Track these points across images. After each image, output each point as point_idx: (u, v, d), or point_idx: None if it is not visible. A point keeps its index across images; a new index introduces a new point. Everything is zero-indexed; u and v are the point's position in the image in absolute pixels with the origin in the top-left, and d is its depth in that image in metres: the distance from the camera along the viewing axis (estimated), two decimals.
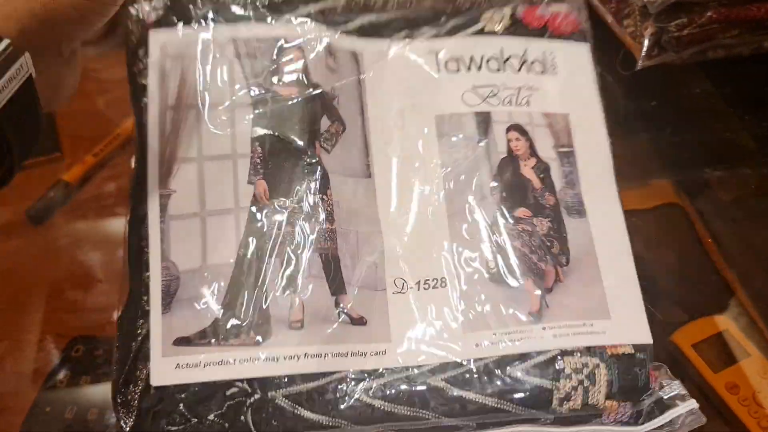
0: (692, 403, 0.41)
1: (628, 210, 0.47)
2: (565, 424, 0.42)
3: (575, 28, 0.51)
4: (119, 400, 0.39)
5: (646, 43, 0.58)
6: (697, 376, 0.49)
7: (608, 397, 0.42)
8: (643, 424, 0.42)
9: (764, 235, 0.57)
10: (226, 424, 0.39)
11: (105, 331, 0.43)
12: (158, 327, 0.40)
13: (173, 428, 0.39)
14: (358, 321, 0.42)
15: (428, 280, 0.43)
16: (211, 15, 0.46)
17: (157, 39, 0.45)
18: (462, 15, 0.50)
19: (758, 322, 0.50)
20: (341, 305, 0.42)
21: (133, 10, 0.46)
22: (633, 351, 0.43)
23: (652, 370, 0.43)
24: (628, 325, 0.43)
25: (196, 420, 0.39)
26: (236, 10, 0.46)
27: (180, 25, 0.45)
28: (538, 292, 0.43)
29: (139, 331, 0.41)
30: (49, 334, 0.49)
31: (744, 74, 0.64)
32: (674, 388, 0.42)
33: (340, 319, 0.42)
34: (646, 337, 0.43)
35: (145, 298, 0.41)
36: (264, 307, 0.41)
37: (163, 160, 0.43)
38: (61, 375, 0.47)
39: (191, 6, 0.46)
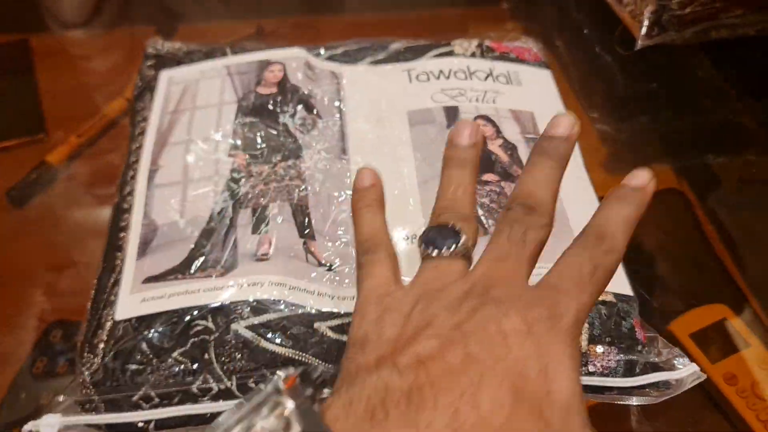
0: (693, 367, 0.38)
1: None
2: None
3: (536, 59, 0.57)
4: (86, 346, 0.40)
5: (645, 21, 0.57)
6: None
7: (591, 341, 0.40)
8: (637, 376, 0.39)
9: (767, 222, 0.55)
10: (190, 362, 0.38)
11: (84, 316, 0.41)
12: (131, 270, 0.42)
13: (134, 367, 0.38)
14: (326, 266, 0.43)
15: (397, 240, 0.44)
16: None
17: (166, 74, 0.54)
18: (436, 47, 0.56)
19: (759, 311, 0.49)
20: (310, 249, 0.43)
21: (151, 49, 0.56)
22: (614, 300, 0.41)
23: (641, 327, 0.41)
24: None
25: (157, 359, 0.38)
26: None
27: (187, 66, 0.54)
28: None
29: (112, 281, 0.42)
30: (27, 318, 0.48)
31: (748, 56, 0.63)
32: (674, 352, 0.40)
33: (308, 260, 0.42)
34: (626, 289, 0.42)
35: (119, 253, 0.43)
36: (233, 246, 0.42)
37: (155, 149, 0.48)
38: (38, 360, 0.46)
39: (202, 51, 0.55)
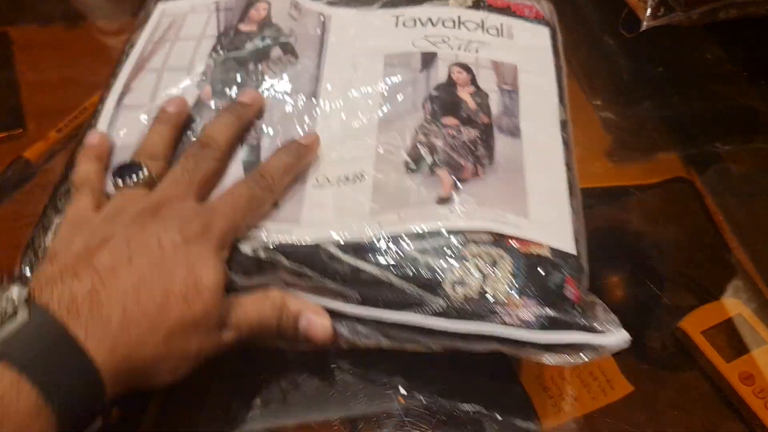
0: (621, 335, 0.36)
1: (632, 185, 0.44)
2: (459, 317, 0.38)
3: (538, 15, 0.55)
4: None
5: (651, 1, 0.54)
6: (708, 365, 0.44)
7: (510, 288, 0.38)
8: (551, 332, 0.37)
9: None
10: None
11: None
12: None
13: None
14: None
15: (348, 176, 0.44)
16: None
17: (160, 7, 0.55)
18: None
19: None
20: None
21: None
22: (550, 255, 0.40)
23: (577, 287, 0.39)
24: (549, 228, 0.41)
25: None
26: None
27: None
28: (452, 180, 0.43)
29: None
30: None
31: (758, 37, 0.60)
32: (609, 318, 0.38)
33: None
34: (568, 246, 0.40)
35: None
36: None
37: (132, 73, 0.50)
38: None
39: None
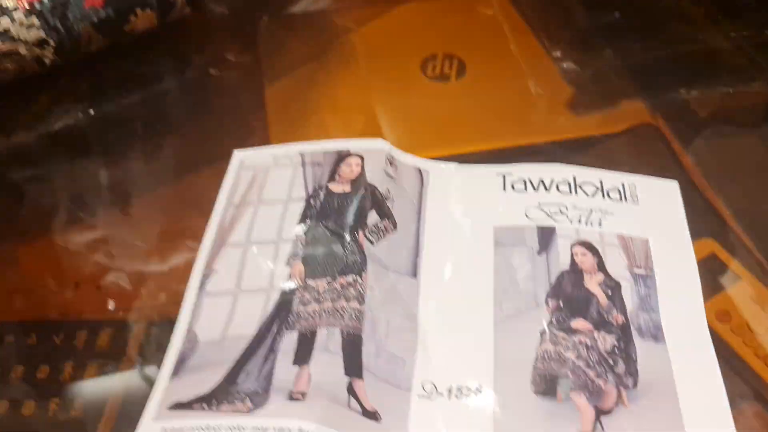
0: None
1: (598, 134, 0.46)
2: None
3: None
4: None
5: None
6: None
7: None
8: None
9: (747, 151, 0.52)
10: None
11: None
12: (161, 391, 0.38)
13: None
14: (371, 414, 0.37)
15: (461, 387, 0.38)
16: None
17: (238, 155, 0.51)
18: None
19: (746, 241, 0.46)
20: (354, 390, 0.37)
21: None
22: None
23: None
24: None
25: None
26: None
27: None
28: (593, 411, 0.36)
29: None
30: None
31: None
32: None
33: (350, 405, 0.37)
34: None
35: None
36: (268, 376, 0.38)
37: (214, 246, 0.45)
38: None
39: None
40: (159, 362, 0.40)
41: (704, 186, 0.49)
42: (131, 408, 0.38)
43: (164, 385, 0.38)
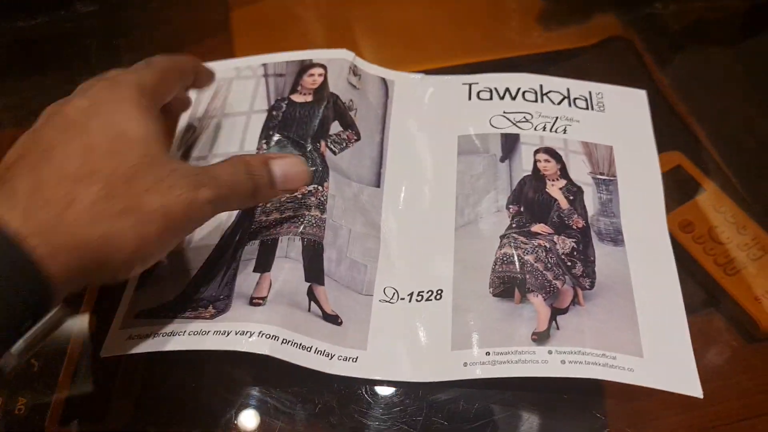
0: None
1: (570, 48, 0.45)
2: None
3: None
4: None
5: None
6: None
7: None
8: None
9: (718, 66, 0.51)
10: None
11: None
12: (127, 302, 0.39)
13: None
14: (332, 318, 0.38)
15: (422, 291, 0.39)
16: None
17: None
18: None
19: (713, 154, 0.46)
20: (315, 295, 0.38)
21: None
22: None
23: None
24: (669, 368, 0.35)
25: None
26: None
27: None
28: (548, 311, 0.37)
29: None
30: None
31: None
32: None
33: (310, 309, 0.37)
34: (693, 389, 0.34)
35: None
36: (230, 283, 0.38)
37: (179, 159, 0.44)
38: None
39: None
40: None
41: (674, 99, 0.49)
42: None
43: (131, 295, 0.39)
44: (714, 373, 0.37)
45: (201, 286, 0.38)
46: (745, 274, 0.40)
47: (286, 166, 0.36)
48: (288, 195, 0.40)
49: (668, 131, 0.43)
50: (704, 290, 0.39)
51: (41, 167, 0.29)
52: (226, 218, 0.40)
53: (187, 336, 0.36)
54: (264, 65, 0.48)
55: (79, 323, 0.39)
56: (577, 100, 0.46)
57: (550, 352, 0.35)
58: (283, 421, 0.36)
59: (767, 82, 0.50)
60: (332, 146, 0.43)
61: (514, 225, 0.40)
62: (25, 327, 0.28)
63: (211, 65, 0.46)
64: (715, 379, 0.36)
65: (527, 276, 0.38)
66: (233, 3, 0.57)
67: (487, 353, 0.35)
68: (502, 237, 0.39)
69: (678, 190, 0.43)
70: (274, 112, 0.45)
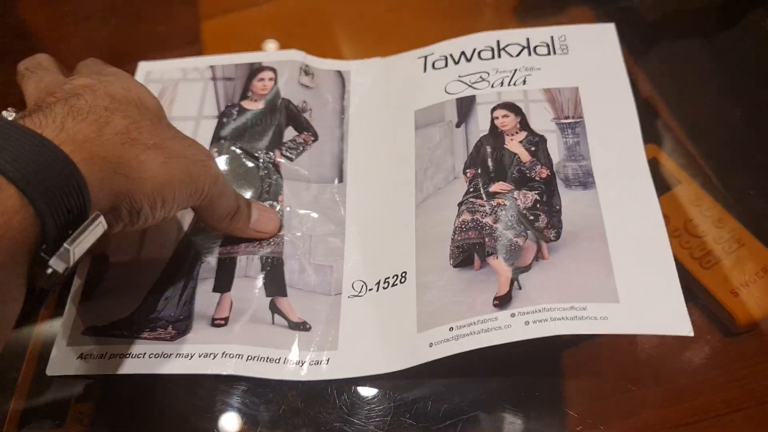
0: None
1: None
2: None
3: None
4: None
5: None
6: None
7: None
8: None
9: (693, 58, 0.50)
10: None
11: None
12: (71, 315, 0.38)
13: None
14: (299, 325, 0.36)
15: (388, 278, 0.37)
16: None
17: (144, 67, 0.48)
18: None
19: (688, 147, 0.44)
20: (278, 307, 0.37)
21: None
22: None
23: None
24: (652, 310, 0.32)
25: None
26: None
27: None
28: (509, 271, 0.34)
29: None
30: None
31: None
32: None
33: (274, 322, 0.37)
34: (682, 327, 0.31)
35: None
36: (189, 303, 0.37)
37: None
38: None
39: None
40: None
41: (649, 92, 0.47)
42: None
43: (75, 308, 0.38)
44: (691, 369, 0.36)
45: (157, 305, 0.37)
46: (721, 267, 0.39)
47: (264, 212, 0.39)
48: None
49: (644, 124, 0.41)
50: (680, 284, 0.35)
51: (74, 101, 0.30)
52: (176, 232, 0.40)
53: (148, 359, 0.35)
54: (212, 67, 0.47)
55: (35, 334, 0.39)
56: (537, 48, 0.43)
57: (513, 315, 0.32)
58: (247, 423, 0.35)
59: (743, 76, 0.49)
60: (288, 153, 0.43)
61: (471, 189, 0.37)
62: (67, 233, 0.28)
63: (157, 64, 0.47)
64: (693, 374, 0.36)
65: (486, 239, 0.35)
66: (204, 15, 0.57)
67: (450, 329, 0.33)
68: (459, 204, 0.37)
69: (654, 182, 0.40)
70: (225, 119, 0.44)
